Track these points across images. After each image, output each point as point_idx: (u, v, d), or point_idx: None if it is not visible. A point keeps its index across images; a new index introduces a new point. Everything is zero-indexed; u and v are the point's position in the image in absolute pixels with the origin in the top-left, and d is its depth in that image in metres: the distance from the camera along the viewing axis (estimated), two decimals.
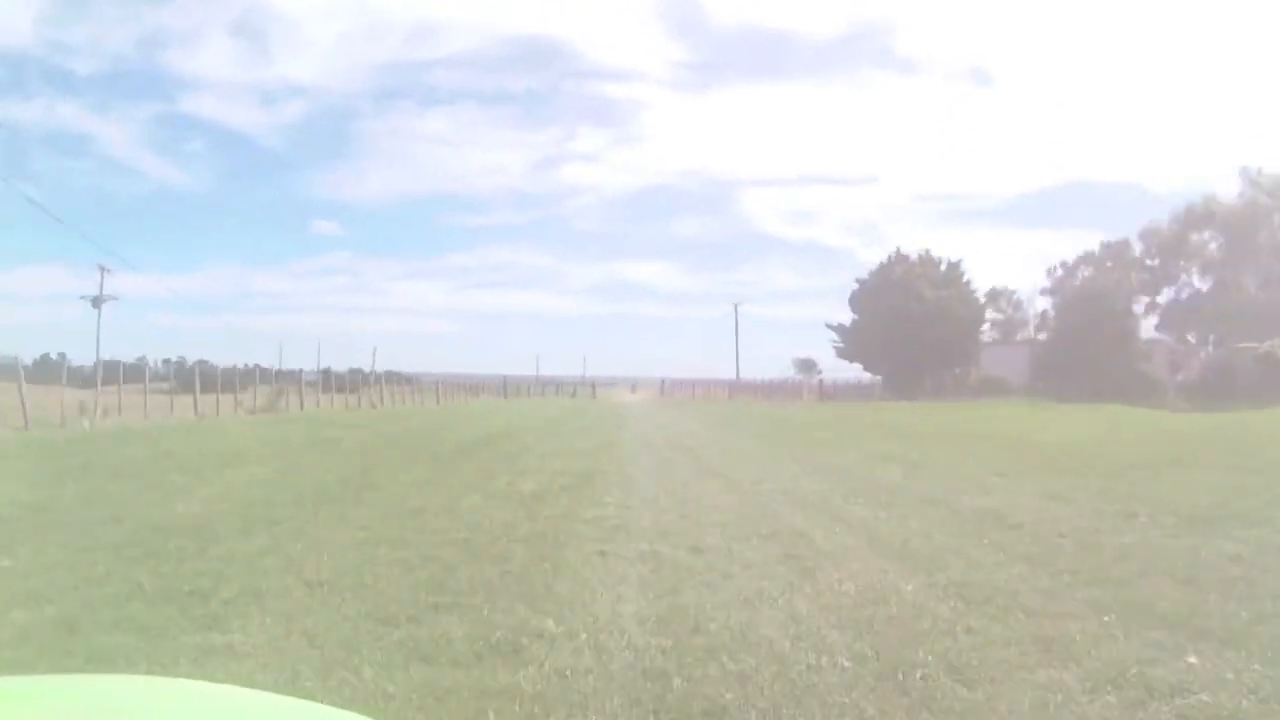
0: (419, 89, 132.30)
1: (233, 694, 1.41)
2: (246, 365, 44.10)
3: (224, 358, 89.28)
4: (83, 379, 35.22)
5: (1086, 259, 58.60)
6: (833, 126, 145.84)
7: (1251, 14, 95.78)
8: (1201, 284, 53.41)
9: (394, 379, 64.16)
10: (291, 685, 3.75)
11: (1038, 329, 59.03)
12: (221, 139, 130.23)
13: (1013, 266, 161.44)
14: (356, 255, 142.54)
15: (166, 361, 79.80)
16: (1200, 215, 52.24)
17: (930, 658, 4.15)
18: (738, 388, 71.68)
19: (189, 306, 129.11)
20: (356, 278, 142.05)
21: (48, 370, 32.02)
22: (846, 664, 4.10)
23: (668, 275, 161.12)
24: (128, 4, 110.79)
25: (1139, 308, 53.16)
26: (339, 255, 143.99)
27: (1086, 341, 44.80)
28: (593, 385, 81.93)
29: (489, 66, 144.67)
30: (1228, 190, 52.68)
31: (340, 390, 45.27)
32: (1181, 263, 53.85)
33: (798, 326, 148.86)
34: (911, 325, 51.40)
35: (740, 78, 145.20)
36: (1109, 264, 56.98)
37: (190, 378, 30.04)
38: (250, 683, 3.16)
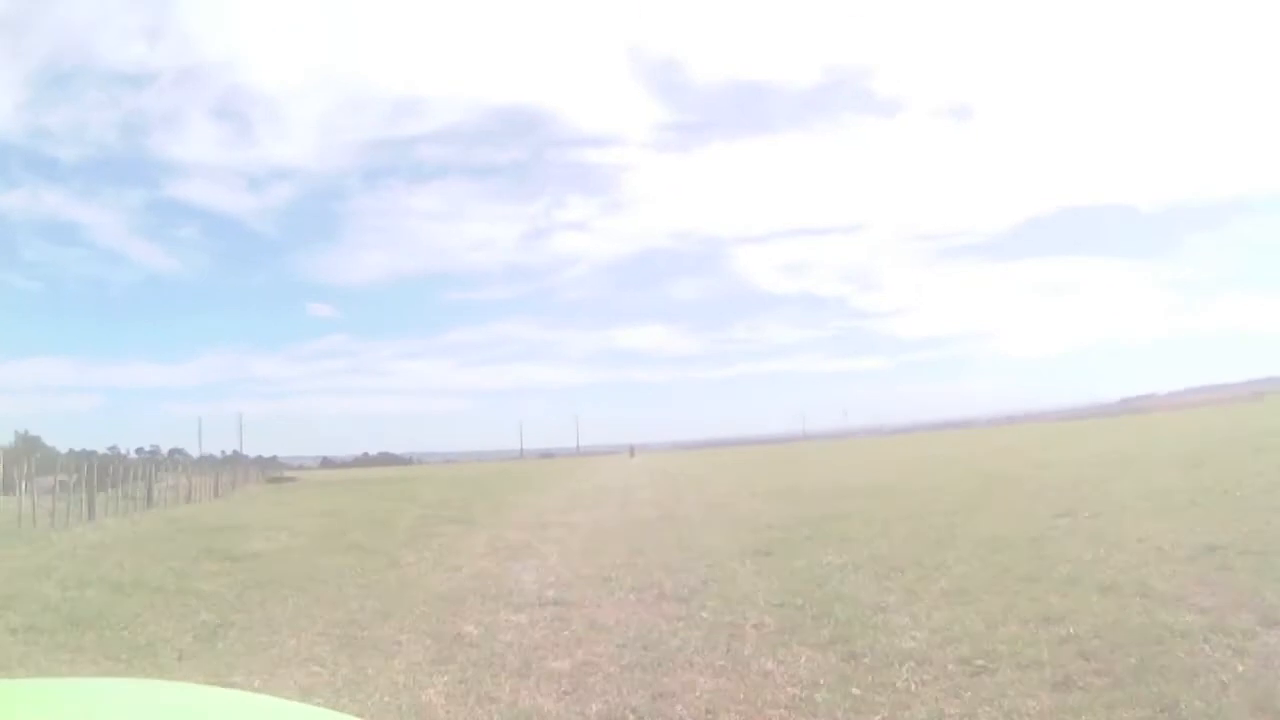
0: (405, 165, 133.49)
1: (233, 696, 1.43)
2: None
3: (216, 446, 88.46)
4: None
5: None
6: (818, 175, 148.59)
7: (1231, 32, 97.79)
8: None
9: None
10: None
11: None
12: (211, 224, 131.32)
13: (1006, 297, 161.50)
14: (353, 337, 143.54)
15: (72, 451, 79.24)
16: None
17: None
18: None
19: (186, 394, 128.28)
20: (354, 359, 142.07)
21: None
22: None
23: (663, 338, 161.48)
24: (107, 88, 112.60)
25: None
26: (336, 338, 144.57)
27: None
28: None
29: (474, 139, 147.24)
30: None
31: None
32: None
33: (795, 378, 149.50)
34: None
35: (723, 134, 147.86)
36: None
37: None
38: None
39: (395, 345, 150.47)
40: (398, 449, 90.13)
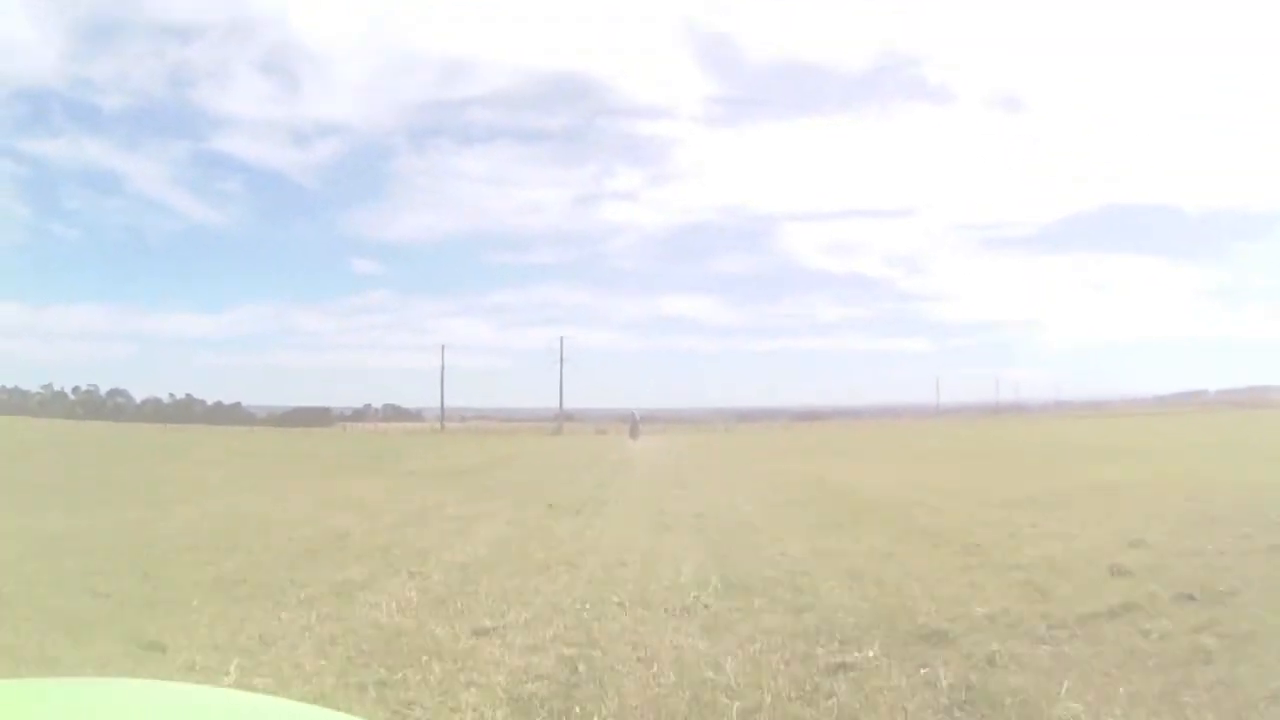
0: (454, 127, 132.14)
1: (232, 696, 1.46)
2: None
3: (259, 398, 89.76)
4: None
5: None
6: (869, 159, 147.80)
7: None
8: None
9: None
10: None
11: None
12: (254, 178, 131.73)
13: (1049, 289, 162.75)
14: (395, 294, 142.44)
15: (77, 389, 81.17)
16: None
17: None
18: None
19: (223, 345, 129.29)
20: (396, 315, 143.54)
21: None
22: None
23: (708, 309, 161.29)
24: (154, 40, 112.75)
25: None
26: (378, 294, 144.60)
27: None
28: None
29: (524, 104, 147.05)
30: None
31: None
32: None
33: (838, 356, 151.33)
34: None
35: (774, 112, 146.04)
36: None
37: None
38: None
39: (438, 303, 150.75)
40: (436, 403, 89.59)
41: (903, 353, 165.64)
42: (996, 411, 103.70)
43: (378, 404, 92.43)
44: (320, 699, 4.26)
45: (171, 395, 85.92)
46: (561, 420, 68.85)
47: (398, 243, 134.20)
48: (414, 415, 78.53)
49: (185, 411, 76.48)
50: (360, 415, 78.97)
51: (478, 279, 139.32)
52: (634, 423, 53.41)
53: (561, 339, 74.59)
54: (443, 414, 73.72)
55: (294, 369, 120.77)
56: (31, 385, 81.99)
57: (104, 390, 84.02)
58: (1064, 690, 4.41)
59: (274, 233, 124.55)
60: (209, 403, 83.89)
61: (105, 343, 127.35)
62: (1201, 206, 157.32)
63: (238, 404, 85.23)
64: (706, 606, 6.57)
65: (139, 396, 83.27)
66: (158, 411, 75.75)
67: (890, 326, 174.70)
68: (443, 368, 74.27)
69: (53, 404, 77.49)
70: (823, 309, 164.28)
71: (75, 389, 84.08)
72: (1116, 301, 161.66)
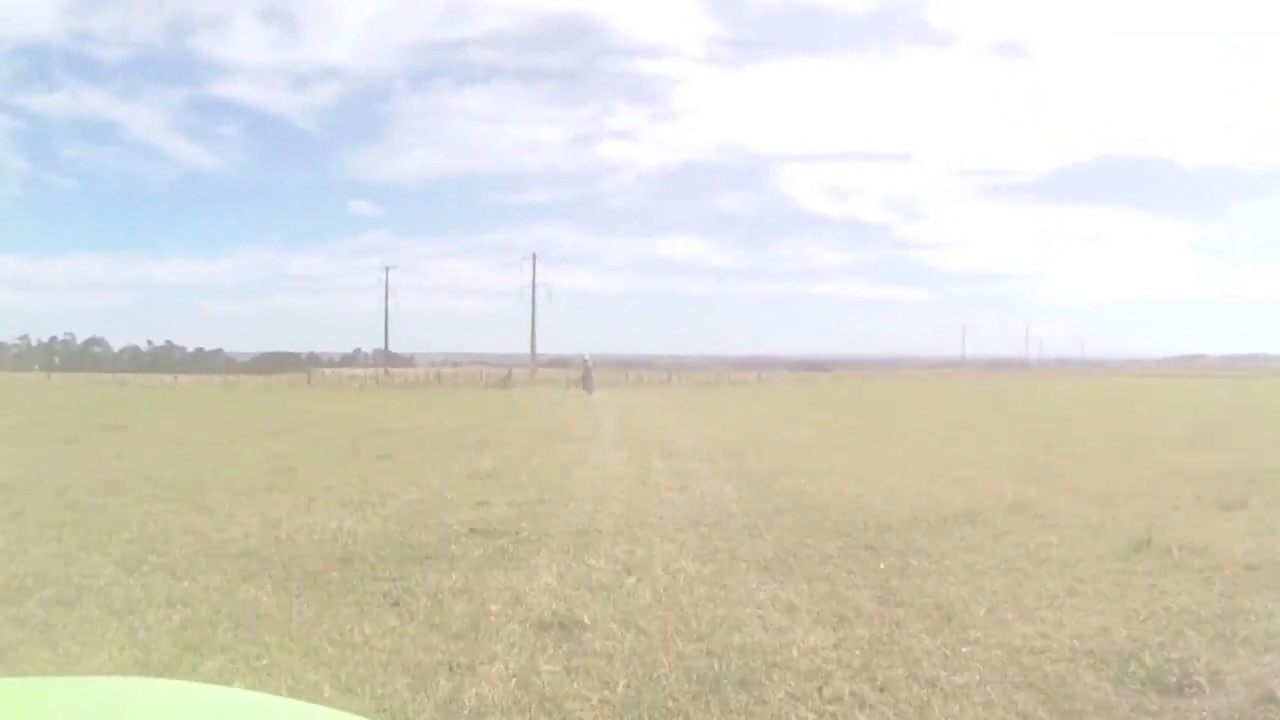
0: (454, 67, 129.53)
1: (233, 696, 1.41)
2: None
3: (254, 344, 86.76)
4: None
5: None
6: (869, 102, 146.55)
7: None
8: None
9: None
10: None
11: None
12: (253, 121, 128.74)
13: (1049, 241, 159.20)
14: (393, 234, 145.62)
15: (54, 339, 78.67)
16: None
17: None
18: None
19: (223, 291, 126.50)
20: (393, 256, 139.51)
21: None
22: None
23: (705, 250, 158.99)
24: None
25: None
26: (376, 235, 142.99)
27: None
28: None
29: (524, 44, 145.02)
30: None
31: None
32: None
33: (835, 302, 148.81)
34: None
35: (776, 53, 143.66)
36: None
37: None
38: None
39: (435, 244, 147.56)
40: (431, 349, 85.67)
41: (900, 301, 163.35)
42: (997, 366, 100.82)
43: (368, 349, 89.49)
44: None
45: (150, 343, 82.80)
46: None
47: (396, 184, 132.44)
48: (405, 360, 75.87)
49: (164, 359, 73.36)
50: (350, 360, 76.13)
51: (475, 219, 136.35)
52: (586, 371, 40.61)
53: (534, 276, 65.85)
54: (387, 359, 68.53)
55: (290, 313, 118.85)
56: (9, 337, 78.58)
57: (81, 340, 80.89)
58: None
59: (272, 177, 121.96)
60: (189, 349, 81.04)
61: (102, 292, 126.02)
62: (1197, 162, 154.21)
63: (219, 350, 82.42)
64: None
65: (118, 346, 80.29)
66: (135, 360, 72.63)
67: (888, 273, 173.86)
68: (386, 309, 68.80)
69: (29, 356, 74.19)
70: (820, 253, 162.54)
71: (53, 339, 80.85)
72: (1113, 256, 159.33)
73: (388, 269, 68.39)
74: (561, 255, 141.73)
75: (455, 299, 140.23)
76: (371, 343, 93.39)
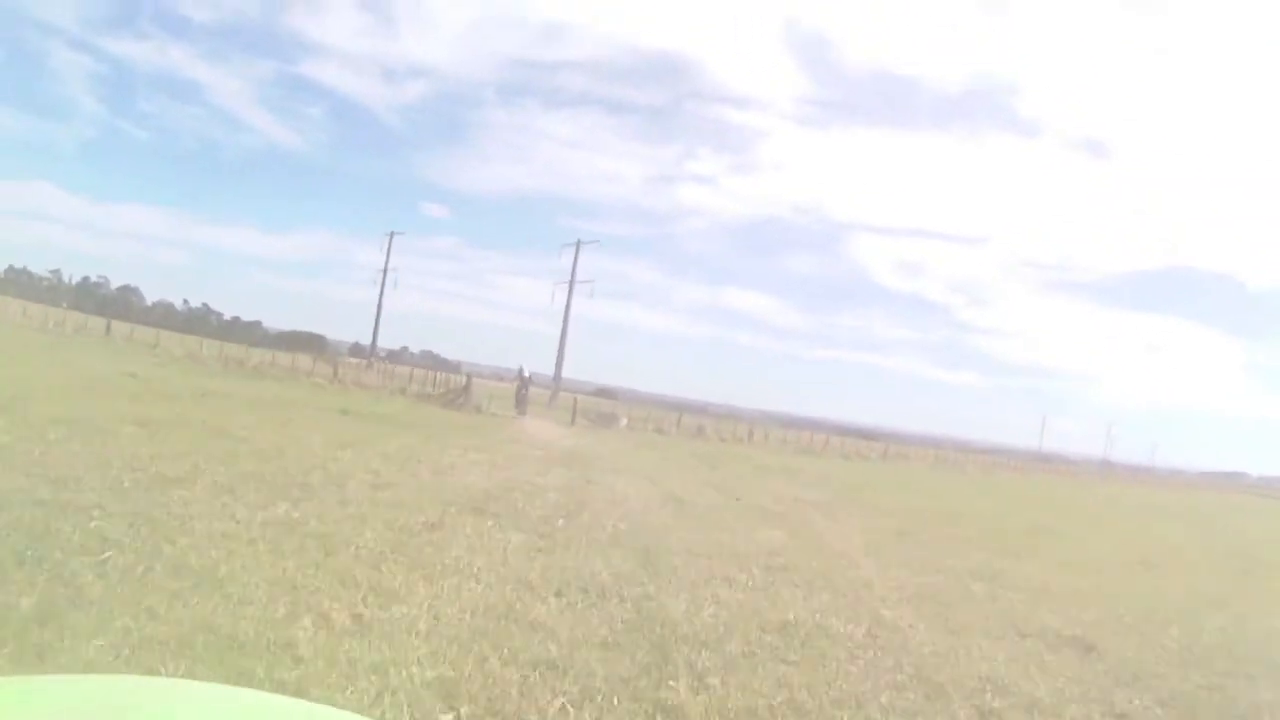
0: (544, 88, 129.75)
1: (233, 694, 1.41)
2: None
3: (295, 323, 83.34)
4: None
5: None
6: (948, 181, 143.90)
7: None
8: None
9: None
10: None
11: None
12: (338, 106, 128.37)
13: (1105, 344, 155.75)
14: (463, 242, 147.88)
15: (86, 280, 75.29)
16: None
17: None
18: None
19: (281, 267, 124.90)
20: (461, 264, 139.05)
21: None
22: None
23: (772, 308, 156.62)
24: None
25: None
26: (445, 240, 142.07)
27: None
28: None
29: (615, 76, 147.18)
30: None
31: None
32: None
33: (891, 375, 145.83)
34: None
35: (863, 119, 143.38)
36: None
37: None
38: None
39: (502, 258, 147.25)
40: (488, 361, 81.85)
41: (952, 383, 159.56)
42: (1043, 460, 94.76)
43: (415, 349, 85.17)
44: None
45: (186, 303, 78.89)
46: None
47: (471, 193, 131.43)
48: (451, 366, 71.50)
49: (200, 322, 68.96)
50: (395, 357, 71.62)
51: (546, 241, 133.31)
52: (522, 385, 33.45)
53: (570, 295, 54.42)
54: (365, 358, 59.89)
55: (345, 300, 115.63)
56: (41, 269, 75.12)
57: (115, 285, 77.27)
58: None
59: (349, 163, 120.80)
60: (226, 316, 76.98)
61: (159, 246, 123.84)
62: (1262, 283, 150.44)
63: (258, 323, 78.13)
64: None
65: (151, 299, 76.50)
66: (167, 317, 68.46)
67: (944, 354, 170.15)
68: (380, 306, 61.48)
69: (58, 292, 70.51)
70: (882, 326, 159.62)
71: (85, 279, 77.35)
72: (1169, 366, 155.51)
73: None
74: (629, 290, 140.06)
75: (515, 315, 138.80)
76: (419, 343, 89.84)
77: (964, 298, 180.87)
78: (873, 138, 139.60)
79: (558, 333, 55.43)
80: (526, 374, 34.76)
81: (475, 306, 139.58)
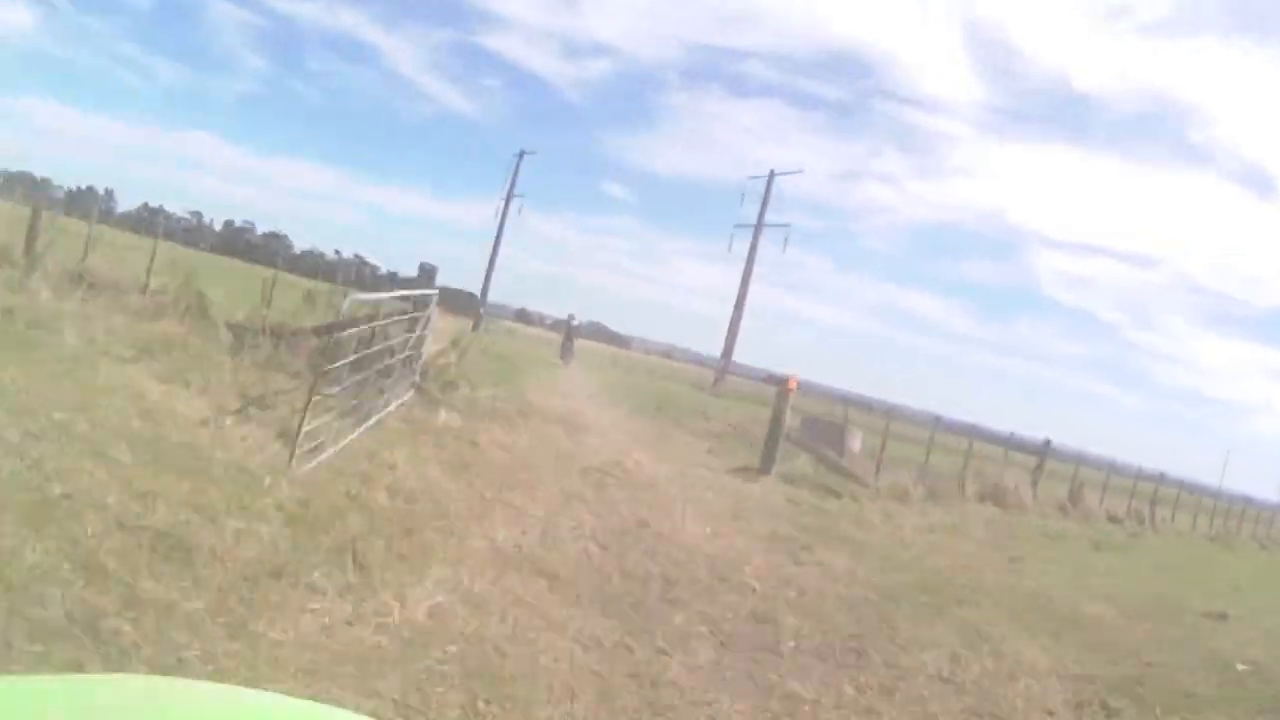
0: (729, 75, 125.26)
1: (233, 694, 1.41)
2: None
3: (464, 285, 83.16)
4: None
5: None
6: (1125, 202, 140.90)
7: None
8: None
9: None
10: None
11: None
12: (518, 79, 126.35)
13: (1267, 378, 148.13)
14: (641, 223, 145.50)
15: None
16: None
17: None
18: None
19: (450, 231, 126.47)
20: (637, 243, 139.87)
21: None
22: None
23: (946, 312, 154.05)
24: None
25: None
26: (623, 219, 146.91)
27: None
28: None
29: (801, 68, 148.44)
30: None
31: None
32: None
33: (1057, 390, 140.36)
34: None
35: (1042, 133, 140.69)
36: None
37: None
38: None
39: (682, 242, 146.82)
40: (653, 336, 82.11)
41: (1111, 402, 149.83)
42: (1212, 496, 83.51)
43: (582, 319, 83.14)
44: None
45: (338, 253, 77.17)
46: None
47: (652, 174, 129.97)
48: (621, 340, 68.66)
49: (352, 273, 66.95)
50: (557, 325, 70.60)
51: (723, 227, 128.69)
52: (568, 334, 34.35)
53: (746, 280, 47.34)
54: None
55: (512, 269, 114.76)
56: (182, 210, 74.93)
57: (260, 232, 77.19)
58: None
59: (526, 137, 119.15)
60: (381, 270, 75.23)
61: (322, 204, 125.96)
62: None
63: (413, 278, 76.29)
64: None
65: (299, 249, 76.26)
66: (315, 265, 66.94)
67: (1107, 373, 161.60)
68: (497, 239, 53.20)
69: (196, 233, 68.99)
70: (1050, 339, 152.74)
71: (228, 223, 77.38)
72: None
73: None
74: (805, 282, 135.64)
75: (691, 296, 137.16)
76: (586, 314, 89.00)
77: (1130, 318, 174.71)
78: (1051, 151, 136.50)
79: (728, 316, 49.56)
80: (575, 322, 35.59)
81: (647, 285, 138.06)
